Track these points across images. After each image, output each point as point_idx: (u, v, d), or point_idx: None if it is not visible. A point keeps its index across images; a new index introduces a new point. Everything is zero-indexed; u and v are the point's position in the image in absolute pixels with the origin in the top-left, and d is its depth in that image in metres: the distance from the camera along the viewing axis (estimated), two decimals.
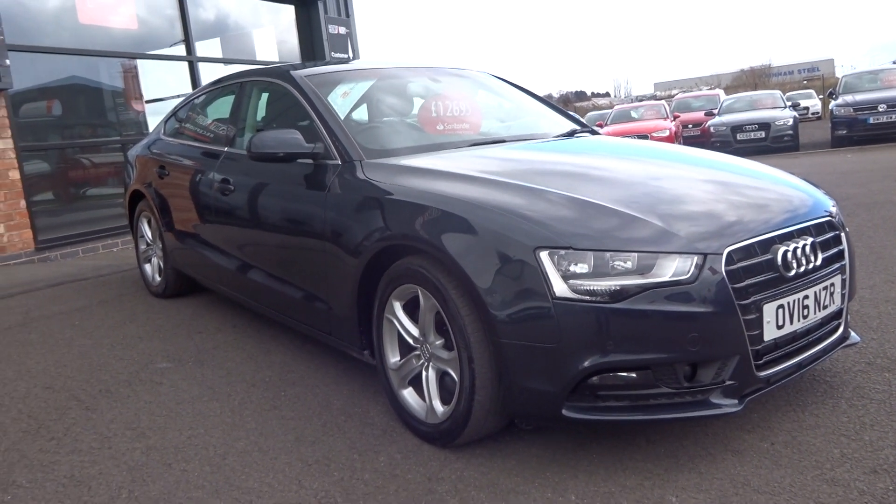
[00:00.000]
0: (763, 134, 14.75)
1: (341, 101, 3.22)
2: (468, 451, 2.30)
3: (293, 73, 3.37)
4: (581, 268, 1.98)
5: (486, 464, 2.22)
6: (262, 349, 3.46)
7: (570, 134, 3.45)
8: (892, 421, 2.29)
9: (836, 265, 2.37)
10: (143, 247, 4.86)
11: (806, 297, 2.21)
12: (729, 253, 2.05)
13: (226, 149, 3.72)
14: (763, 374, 2.12)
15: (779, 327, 2.13)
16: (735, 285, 2.02)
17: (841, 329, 2.44)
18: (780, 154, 13.89)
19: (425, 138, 3.13)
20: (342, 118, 3.07)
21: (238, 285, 3.63)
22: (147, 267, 4.84)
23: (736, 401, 2.09)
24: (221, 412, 2.73)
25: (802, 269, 2.20)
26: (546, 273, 1.99)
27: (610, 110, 21.87)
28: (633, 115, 18.51)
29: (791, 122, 14.71)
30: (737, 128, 15.05)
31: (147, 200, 4.56)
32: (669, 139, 16.04)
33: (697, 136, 16.93)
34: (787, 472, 2.04)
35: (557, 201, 2.21)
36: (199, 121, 4.25)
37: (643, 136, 16.13)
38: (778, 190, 2.52)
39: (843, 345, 2.51)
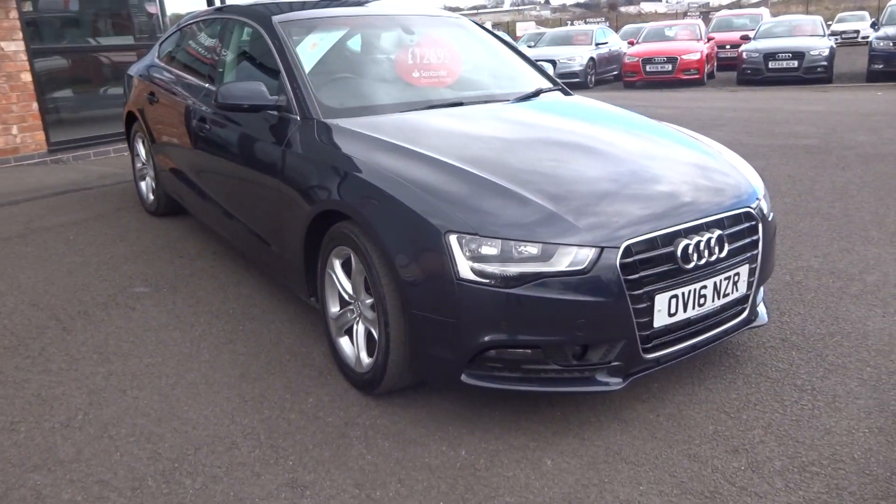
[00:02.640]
0: (796, 63, 14.23)
1: (310, 51, 3.31)
2: (388, 399, 2.56)
3: (274, 17, 3.43)
4: (484, 253, 2.16)
5: (399, 413, 2.48)
6: (234, 280, 3.72)
7: (534, 95, 3.52)
8: (776, 401, 2.50)
9: (745, 255, 2.51)
10: (138, 165, 5.08)
11: (704, 287, 2.37)
12: (627, 246, 2.20)
13: (206, 85, 3.85)
14: (651, 356, 2.32)
15: (671, 315, 2.30)
16: (628, 277, 2.19)
17: (745, 313, 2.61)
18: (810, 86, 13.49)
19: (383, 98, 3.23)
20: (307, 71, 3.17)
21: (213, 219, 3.86)
22: (142, 185, 5.08)
23: (620, 379, 2.30)
24: (181, 342, 3.03)
25: (703, 261, 2.35)
26: (453, 255, 2.17)
27: (645, 25, 21.07)
28: (668, 33, 17.87)
29: (826, 52, 14.14)
30: (769, 55, 14.51)
31: (140, 122, 4.74)
32: (700, 63, 15.59)
33: (733, 59, 16.32)
34: (658, 444, 2.28)
35: (475, 183, 2.36)
36: (186, 52, 4.36)
37: (672, 59, 15.73)
38: (701, 180, 2.63)
39: (748, 326, 2.69)
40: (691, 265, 2.32)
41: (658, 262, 2.27)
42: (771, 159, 6.49)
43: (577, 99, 3.62)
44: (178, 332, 3.12)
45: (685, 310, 2.34)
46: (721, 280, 2.42)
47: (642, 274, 2.23)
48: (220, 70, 3.82)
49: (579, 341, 2.22)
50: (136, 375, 2.75)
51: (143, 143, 4.88)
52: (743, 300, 2.58)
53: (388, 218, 2.35)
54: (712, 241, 2.37)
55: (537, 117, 3.22)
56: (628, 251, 2.21)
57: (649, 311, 2.25)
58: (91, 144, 7.61)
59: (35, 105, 7.08)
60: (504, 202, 2.28)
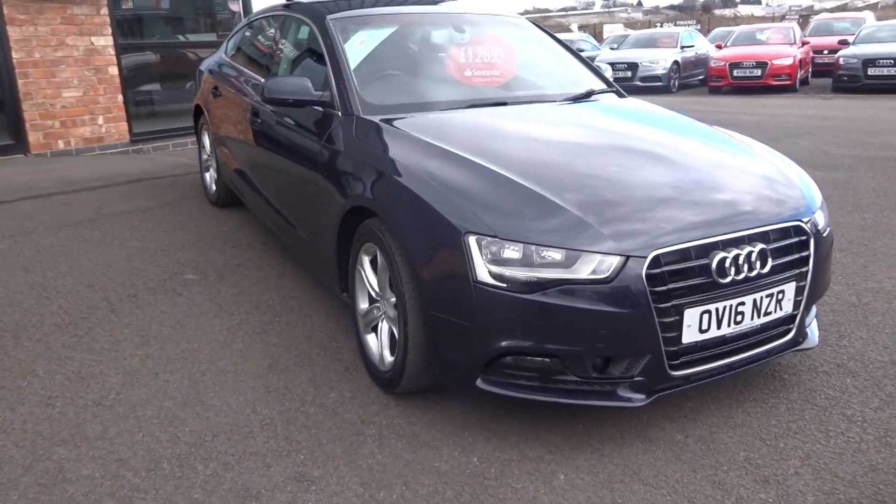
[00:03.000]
0: None
1: (358, 48, 3.32)
2: (408, 399, 2.53)
3: (328, 15, 3.46)
4: (504, 256, 2.10)
5: (417, 414, 2.45)
6: (278, 271, 3.79)
7: (584, 97, 3.42)
8: (819, 431, 2.32)
9: (793, 272, 2.34)
10: (204, 156, 5.26)
11: (741, 303, 2.23)
12: (656, 256, 2.09)
13: (261, 80, 3.93)
14: (678, 373, 2.19)
15: (702, 331, 2.17)
16: (655, 288, 2.08)
17: (791, 334, 2.43)
18: None
19: (425, 96, 3.21)
20: (353, 67, 3.18)
21: (260, 210, 3.94)
22: (206, 176, 5.25)
23: (643, 395, 2.19)
24: (219, 330, 3.10)
25: (742, 276, 2.20)
26: (472, 257, 2.12)
27: (735, 28, 20.24)
28: (759, 36, 17.10)
29: None
30: (869, 61, 13.65)
31: (204, 115, 4.90)
32: (792, 68, 14.84)
33: (830, 65, 15.47)
34: (682, 467, 2.15)
35: (502, 185, 2.30)
36: (247, 48, 4.47)
37: (761, 64, 15.04)
38: (747, 189, 2.47)
39: (795, 349, 2.51)
40: (727, 280, 2.18)
41: (690, 275, 2.15)
42: (857, 171, 6.09)
43: (630, 102, 3.49)
44: (218, 320, 3.19)
45: (719, 327, 2.20)
46: (762, 297, 2.27)
47: (671, 286, 2.11)
48: (276, 66, 3.89)
49: (599, 353, 2.12)
50: (171, 360, 2.83)
51: (208, 135, 5.04)
52: (789, 320, 2.41)
53: (411, 216, 2.32)
54: (753, 256, 2.22)
55: (581, 119, 3.12)
56: (656, 261, 2.09)
57: (677, 325, 2.13)
58: (170, 136, 7.95)
59: (120, 97, 7.46)
60: (530, 205, 2.21)
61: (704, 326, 2.18)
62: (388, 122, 2.85)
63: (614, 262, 2.07)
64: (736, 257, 2.20)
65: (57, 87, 6.96)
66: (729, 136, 3.04)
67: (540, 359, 2.15)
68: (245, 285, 3.60)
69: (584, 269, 2.07)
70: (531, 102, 3.26)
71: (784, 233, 2.35)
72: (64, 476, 2.12)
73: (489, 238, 2.11)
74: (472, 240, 2.13)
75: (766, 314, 2.31)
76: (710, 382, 2.34)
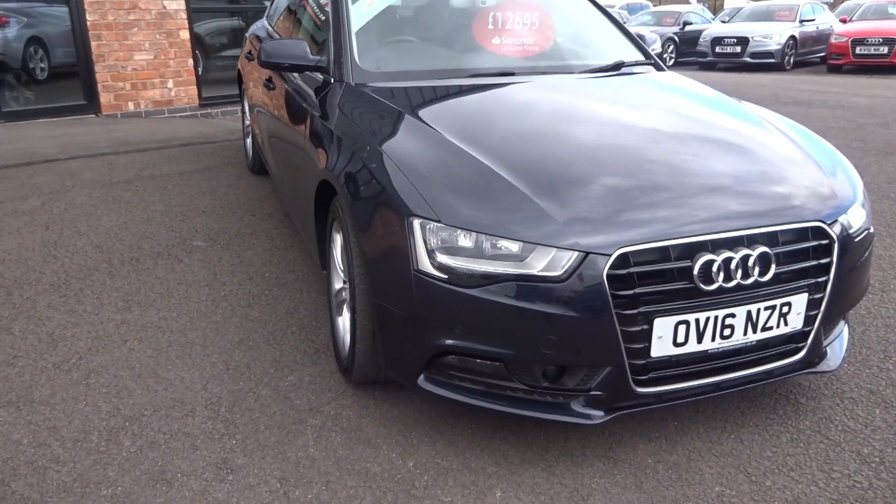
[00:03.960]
0: None
1: (365, 10, 3.11)
2: (365, 390, 2.35)
3: None
4: (447, 245, 1.86)
5: (370, 408, 2.27)
6: (286, 244, 3.68)
7: (611, 69, 3.07)
8: (821, 470, 1.97)
9: (805, 281, 1.98)
10: (246, 122, 5.23)
11: (731, 315, 1.90)
12: (623, 254, 1.80)
13: None
14: (646, 390, 1.90)
15: (677, 344, 1.87)
16: (619, 292, 1.79)
17: (802, 353, 2.07)
18: None
19: (423, 64, 2.97)
20: (354, 30, 2.98)
21: (273, 179, 3.84)
22: (247, 141, 5.22)
23: (602, 412, 1.92)
24: (204, 300, 3.02)
25: (733, 283, 1.88)
26: (414, 243, 1.90)
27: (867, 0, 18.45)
28: (892, 10, 15.49)
29: None
30: None
31: (243, 80, 4.85)
32: None
33: None
34: (640, 497, 1.87)
35: (465, 164, 2.06)
36: (280, 12, 4.35)
37: (889, 41, 13.60)
38: (761, 182, 2.11)
39: (807, 371, 2.15)
40: (713, 287, 1.86)
41: (666, 279, 1.84)
42: None
43: (663, 76, 3.11)
44: (207, 290, 3.11)
45: (700, 341, 1.89)
46: (760, 310, 1.93)
47: (639, 290, 1.81)
48: (297, 30, 3.75)
49: (549, 361, 1.86)
50: (145, 327, 2.77)
51: (245, 100, 5.00)
52: (799, 337, 2.05)
53: (364, 194, 2.12)
54: (750, 260, 1.88)
55: (588, 94, 2.78)
56: (624, 261, 1.80)
57: (645, 336, 1.84)
58: (237, 101, 8.04)
59: (190, 61, 7.59)
60: (488, 189, 1.96)
61: (680, 339, 1.87)
62: (374, 90, 2.65)
63: (571, 258, 1.80)
64: (727, 261, 1.87)
65: (129, 49, 7.15)
66: (764, 120, 2.63)
67: (484, 361, 1.92)
68: (248, 255, 3.52)
69: (537, 265, 1.81)
70: (544, 73, 2.96)
71: (799, 234, 1.99)
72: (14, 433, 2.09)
73: (433, 223, 1.88)
74: (416, 224, 1.90)
75: (766, 329, 1.96)
76: (704, 400, 2.04)
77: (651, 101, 2.75)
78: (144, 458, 2.02)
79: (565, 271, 1.79)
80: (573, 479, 1.95)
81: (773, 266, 1.92)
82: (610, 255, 1.79)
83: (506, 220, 1.86)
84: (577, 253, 1.80)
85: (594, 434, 2.13)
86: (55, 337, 2.68)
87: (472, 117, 2.44)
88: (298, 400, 2.32)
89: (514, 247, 1.82)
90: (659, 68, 3.26)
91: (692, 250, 1.86)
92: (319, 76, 2.95)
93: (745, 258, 1.88)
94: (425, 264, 1.88)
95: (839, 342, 2.28)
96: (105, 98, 7.09)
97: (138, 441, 2.09)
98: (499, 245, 1.83)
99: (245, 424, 2.18)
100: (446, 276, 1.85)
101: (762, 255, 1.90)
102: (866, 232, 2.20)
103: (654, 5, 24.92)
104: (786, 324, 1.99)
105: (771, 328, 1.97)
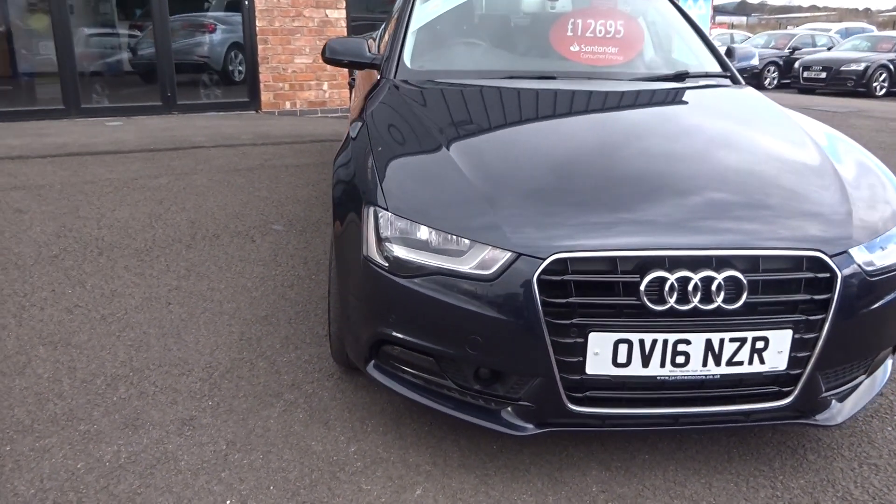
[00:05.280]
0: None
1: (430, 11, 3.18)
2: (354, 375, 2.41)
3: None
4: (392, 234, 1.87)
5: (348, 392, 2.32)
6: None
7: (673, 78, 2.88)
8: None
9: (792, 317, 1.74)
10: None
11: (684, 341, 1.72)
12: (558, 259, 1.70)
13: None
14: (583, 409, 1.78)
15: (618, 364, 1.73)
16: (550, 299, 1.70)
17: (788, 399, 1.82)
18: None
19: (465, 64, 2.96)
20: (413, 28, 3.06)
21: None
22: None
23: (531, 426, 1.82)
24: (252, 277, 3.24)
25: (689, 306, 1.70)
26: (367, 230, 1.94)
27: None
28: None
29: None
30: None
31: None
32: None
33: None
34: None
35: (435, 162, 2.05)
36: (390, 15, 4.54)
37: None
38: (764, 197, 1.89)
39: (799, 421, 1.88)
40: (664, 307, 1.70)
41: (608, 292, 1.71)
42: None
43: (727, 90, 2.84)
44: (261, 268, 3.34)
45: (646, 364, 1.73)
46: (725, 340, 1.73)
47: (574, 300, 1.70)
48: (382, 30, 3.91)
49: (473, 361, 1.80)
50: (191, 294, 3.04)
51: None
52: (785, 379, 1.80)
53: (341, 182, 2.19)
54: (714, 283, 1.69)
55: (616, 101, 2.61)
56: (560, 266, 1.70)
57: (580, 349, 1.72)
58: None
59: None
60: (443, 186, 1.95)
61: (621, 359, 1.72)
62: (408, 89, 2.70)
63: (502, 258, 1.73)
64: (683, 281, 1.69)
65: (290, 53, 7.81)
66: (808, 138, 2.32)
67: (419, 355, 1.90)
68: (315, 242, 3.72)
69: (470, 262, 1.77)
70: (591, 78, 2.84)
71: (791, 263, 1.76)
72: (23, 370, 2.41)
73: (384, 212, 1.90)
74: (370, 212, 1.94)
75: (733, 364, 1.75)
76: (693, 437, 1.86)
77: (684, 112, 2.54)
78: (129, 405, 2.23)
79: (495, 271, 1.73)
80: (502, 491, 1.86)
81: (745, 294, 1.71)
82: (543, 259, 1.70)
83: (452, 215, 1.83)
84: (510, 254, 1.73)
85: (549, 451, 2.02)
86: (115, 294, 3.03)
87: (476, 117, 2.41)
88: (287, 375, 2.42)
89: (452, 242, 1.79)
90: (736, 81, 2.99)
91: (644, 265, 1.71)
92: (377, 74, 3.07)
93: (709, 281, 1.70)
94: (373, 252, 1.91)
95: (857, 395, 1.96)
96: (265, 97, 7.79)
97: (131, 390, 2.31)
98: (439, 239, 1.81)
99: (227, 389, 2.33)
100: (387, 265, 1.86)
101: (731, 280, 1.70)
102: (893, 273, 1.88)
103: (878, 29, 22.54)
104: (762, 361, 1.76)
105: (741, 363, 1.75)
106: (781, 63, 17.16)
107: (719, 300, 1.70)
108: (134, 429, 2.10)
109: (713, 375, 1.76)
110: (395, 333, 1.88)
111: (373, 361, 2.01)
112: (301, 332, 2.73)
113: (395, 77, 2.83)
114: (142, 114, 7.27)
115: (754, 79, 15.56)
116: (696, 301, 1.70)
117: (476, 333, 1.75)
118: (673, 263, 1.71)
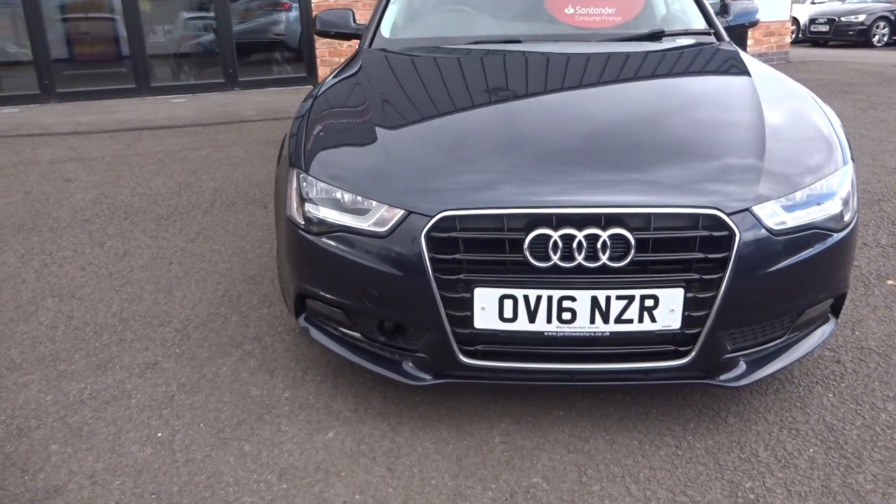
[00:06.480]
0: None
1: None
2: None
3: None
4: (308, 195, 1.99)
5: (300, 346, 2.47)
6: None
7: (648, 38, 2.82)
8: (671, 490, 1.73)
9: (684, 276, 1.74)
10: None
11: (569, 298, 1.75)
12: (446, 217, 1.77)
13: None
14: (474, 362, 1.85)
15: (504, 319, 1.78)
16: (438, 255, 1.77)
17: (686, 358, 1.82)
18: None
19: (431, 31, 3.01)
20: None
21: None
22: None
23: (429, 377, 1.91)
24: (252, 240, 3.45)
25: (573, 263, 1.73)
26: (291, 191, 2.07)
27: None
28: None
29: None
30: None
31: None
32: None
33: None
34: (450, 467, 1.83)
35: (361, 128, 2.14)
36: None
37: None
38: (672, 154, 1.89)
39: (705, 381, 1.87)
40: (547, 264, 1.74)
41: (492, 248, 1.77)
42: None
43: (693, 51, 2.73)
44: (264, 232, 3.55)
45: (532, 319, 1.78)
46: (611, 297, 1.75)
47: (461, 257, 1.77)
48: None
49: (373, 314, 1.91)
50: (193, 255, 3.28)
51: None
52: (682, 339, 1.80)
53: (284, 146, 2.32)
54: (600, 242, 1.72)
55: (568, 62, 2.58)
56: (448, 223, 1.77)
57: (468, 304, 1.79)
58: None
59: None
60: (358, 149, 2.05)
61: (507, 314, 1.78)
62: (378, 57, 2.79)
63: (395, 215, 1.82)
64: (569, 238, 1.72)
65: None
66: (748, 95, 2.22)
67: (332, 309, 2.02)
68: None
69: (369, 220, 1.86)
70: (559, 41, 2.83)
71: (686, 220, 1.75)
72: (29, 317, 2.72)
73: (304, 174, 2.02)
74: (293, 174, 2.07)
75: (622, 322, 1.77)
76: (619, 394, 1.91)
77: (625, 72, 2.48)
78: (107, 350, 2.48)
79: (388, 228, 1.82)
80: (406, 438, 1.97)
81: (633, 252, 1.72)
82: (431, 217, 1.77)
83: (359, 178, 1.93)
84: (402, 211, 1.81)
85: (467, 403, 2.10)
86: (127, 254, 3.32)
87: (412, 84, 2.45)
88: (253, 329, 2.61)
89: (360, 203, 1.89)
90: (720, 38, 2.89)
91: (534, 223, 1.75)
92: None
93: (594, 238, 1.72)
94: (293, 211, 2.04)
95: (773, 358, 1.92)
96: (322, 71, 8.04)
97: (114, 337, 2.56)
98: (349, 200, 1.91)
99: (196, 339, 2.54)
100: (303, 223, 1.99)
101: (618, 238, 1.72)
102: (814, 231, 1.82)
103: None
104: (653, 320, 1.77)
105: (630, 321, 1.77)
106: (894, 18, 15.77)
107: (605, 258, 1.72)
108: (104, 370, 2.35)
109: (602, 333, 1.78)
110: (310, 287, 2.01)
111: (303, 315, 2.16)
112: (279, 291, 2.90)
113: (369, 47, 2.92)
114: (205, 91, 7.70)
115: (861, 36, 14.63)
116: (580, 258, 1.72)
117: (373, 287, 1.85)
118: (561, 221, 1.74)
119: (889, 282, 2.85)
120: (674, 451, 1.89)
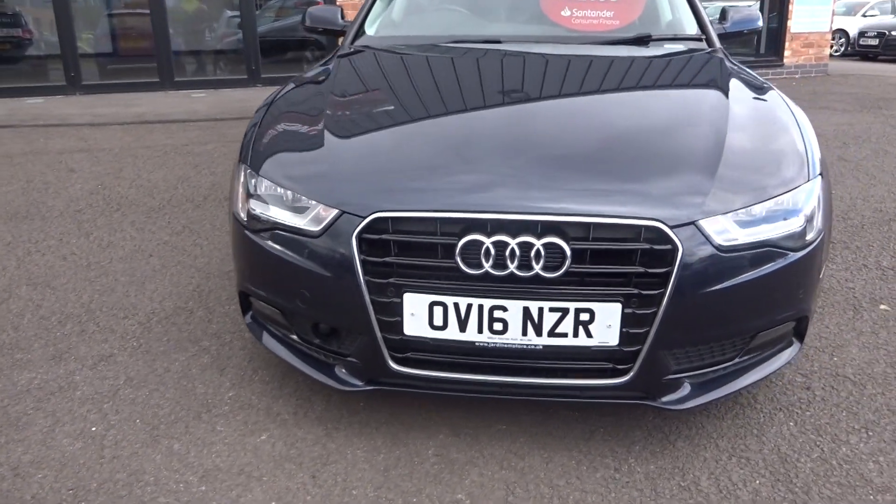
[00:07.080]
0: None
1: None
2: None
3: None
4: (251, 191, 1.96)
5: (247, 347, 2.44)
6: None
7: (633, 42, 2.73)
8: None
9: (622, 290, 1.65)
10: None
11: (500, 307, 1.68)
12: (378, 218, 1.71)
13: None
14: (404, 370, 1.79)
15: (434, 327, 1.72)
16: (369, 258, 1.72)
17: (625, 377, 1.73)
18: None
19: (412, 30, 2.95)
20: None
21: None
22: None
23: (361, 383, 1.85)
24: (214, 236, 3.39)
25: (506, 272, 1.66)
26: (238, 187, 2.04)
27: None
28: None
29: None
30: None
31: None
32: None
33: None
34: (375, 477, 1.77)
35: (311, 128, 2.10)
36: None
37: None
38: (622, 164, 1.80)
39: (646, 402, 1.78)
40: (479, 272, 1.67)
41: (424, 252, 1.70)
42: None
43: (677, 58, 2.63)
44: None
45: (462, 329, 1.71)
46: (544, 309, 1.67)
47: (392, 260, 1.71)
48: None
49: (305, 315, 1.86)
50: (174, 248, 3.28)
51: None
52: (621, 357, 1.71)
53: (242, 142, 2.29)
54: (533, 251, 1.64)
55: (541, 65, 2.49)
56: (381, 225, 1.72)
57: (397, 310, 1.73)
58: None
59: None
60: (303, 147, 2.01)
61: (437, 322, 1.71)
62: (354, 55, 2.75)
63: (328, 215, 1.77)
64: (502, 246, 1.65)
65: None
66: (719, 105, 2.11)
67: (270, 308, 1.98)
68: None
69: (305, 218, 1.82)
70: (539, 42, 2.75)
71: (628, 232, 1.66)
72: (8, 305, 2.74)
73: (250, 170, 1.99)
74: (241, 170, 2.04)
75: (556, 335, 1.69)
76: (564, 412, 1.83)
77: (591, 77, 2.38)
78: (66, 340, 2.48)
79: (322, 228, 1.77)
80: (339, 444, 1.91)
81: (568, 262, 1.64)
82: (363, 218, 1.72)
83: (301, 177, 1.89)
84: (336, 211, 1.76)
85: (407, 413, 2.04)
86: (110, 245, 3.34)
87: (374, 83, 2.39)
88: (215, 325, 2.59)
89: (300, 201, 1.84)
90: (711, 45, 2.78)
91: (468, 228, 1.68)
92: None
93: (527, 247, 1.64)
94: (237, 207, 2.00)
95: (723, 381, 1.82)
96: None
97: (77, 328, 2.57)
98: (286, 197, 1.87)
99: (157, 333, 2.53)
100: (246, 220, 1.95)
101: (553, 247, 1.64)
102: (768, 249, 1.72)
103: None
104: (588, 335, 1.68)
105: (564, 335, 1.69)
106: None
107: (538, 267, 1.65)
108: (58, 360, 2.35)
109: (535, 346, 1.70)
110: (250, 286, 1.98)
111: (250, 313, 2.12)
112: None
113: (350, 46, 2.88)
114: (227, 87, 7.78)
115: None
116: (512, 267, 1.65)
117: (304, 288, 1.81)
118: (496, 228, 1.67)
119: (882, 307, 2.70)
120: (612, 473, 1.80)
